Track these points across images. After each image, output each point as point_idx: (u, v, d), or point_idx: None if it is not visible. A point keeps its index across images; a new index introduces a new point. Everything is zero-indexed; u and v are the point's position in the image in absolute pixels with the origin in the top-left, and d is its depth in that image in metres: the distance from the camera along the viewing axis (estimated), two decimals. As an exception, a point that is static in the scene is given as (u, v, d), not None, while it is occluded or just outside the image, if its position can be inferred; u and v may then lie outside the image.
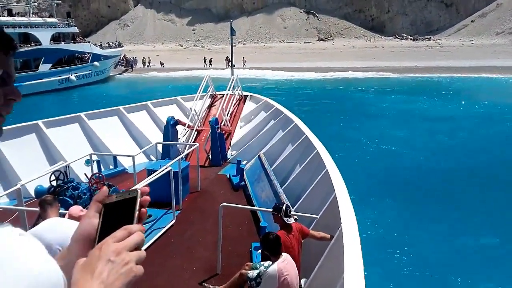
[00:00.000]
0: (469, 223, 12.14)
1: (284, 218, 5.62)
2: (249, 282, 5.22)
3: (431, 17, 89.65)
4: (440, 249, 10.83)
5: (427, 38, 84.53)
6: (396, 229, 11.80)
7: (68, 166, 9.83)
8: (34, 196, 9.41)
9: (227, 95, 15.88)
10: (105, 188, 1.02)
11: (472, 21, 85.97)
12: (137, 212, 0.92)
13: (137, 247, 0.87)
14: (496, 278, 9.69)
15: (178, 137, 13.63)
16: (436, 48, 74.47)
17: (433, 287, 9.41)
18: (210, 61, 59.66)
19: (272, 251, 4.81)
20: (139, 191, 0.95)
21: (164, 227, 7.92)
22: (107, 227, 0.91)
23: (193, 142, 13.25)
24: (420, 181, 15.62)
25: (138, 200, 0.94)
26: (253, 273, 5.17)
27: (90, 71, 47.98)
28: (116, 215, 0.92)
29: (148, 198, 0.96)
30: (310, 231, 5.78)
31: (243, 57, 56.36)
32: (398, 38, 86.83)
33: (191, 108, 14.89)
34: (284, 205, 5.71)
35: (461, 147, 20.46)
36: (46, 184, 9.23)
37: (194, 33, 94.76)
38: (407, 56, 62.85)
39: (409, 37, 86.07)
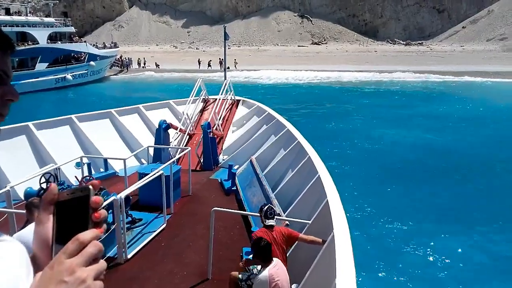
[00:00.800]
0: (465, 229, 12.20)
1: (264, 219, 5.60)
2: (240, 282, 5.29)
3: (424, 22, 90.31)
4: (433, 253, 10.87)
5: (419, 43, 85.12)
6: (389, 234, 11.84)
7: (59, 169, 9.76)
8: (23, 199, 9.32)
9: (219, 99, 15.86)
10: (53, 185, 0.91)
11: (463, 27, 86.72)
12: (90, 214, 0.83)
13: (95, 258, 0.79)
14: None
15: (170, 141, 13.58)
16: (428, 53, 75.12)
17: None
18: (209, 64, 59.49)
19: (262, 257, 4.80)
20: (91, 188, 0.85)
21: (155, 231, 7.89)
22: (62, 231, 0.82)
23: (185, 146, 13.22)
24: (414, 186, 15.67)
25: (90, 199, 0.84)
26: (243, 275, 5.27)
27: (86, 71, 48.22)
28: (70, 216, 0.84)
29: (99, 198, 0.85)
30: (300, 235, 5.77)
31: (235, 59, 56.51)
32: (391, 43, 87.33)
33: (183, 112, 14.84)
34: (266, 207, 5.69)
35: (459, 149, 20.82)
36: (36, 187, 9.14)
37: (188, 35, 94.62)
38: (400, 61, 63.32)
39: (402, 42, 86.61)
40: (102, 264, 0.80)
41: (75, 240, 0.78)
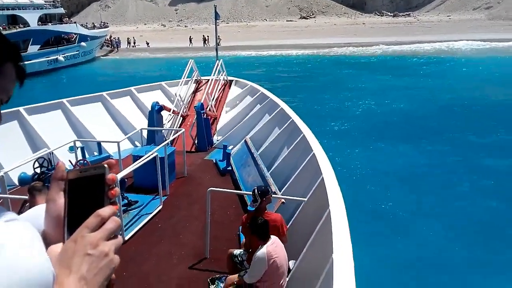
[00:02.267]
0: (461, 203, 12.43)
1: (252, 203, 5.50)
2: (234, 258, 5.51)
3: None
4: (428, 227, 11.05)
5: (406, 15, 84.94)
6: (385, 207, 12.02)
7: (52, 153, 9.72)
8: (17, 184, 9.32)
9: (212, 80, 15.77)
10: (60, 163, 0.93)
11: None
12: (106, 191, 0.85)
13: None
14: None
15: (163, 123, 13.55)
16: (416, 24, 75.06)
17: (421, 265, 9.66)
18: (206, 40, 58.32)
19: (260, 235, 4.89)
20: (106, 167, 0.86)
21: (151, 213, 7.98)
22: (75, 208, 0.84)
23: (179, 127, 13.21)
24: (410, 156, 15.87)
25: (106, 177, 0.86)
26: (237, 250, 5.55)
27: (77, 52, 47.97)
28: (84, 193, 0.85)
29: (114, 176, 0.87)
30: (285, 236, 5.54)
31: (218, 36, 55.50)
32: (379, 15, 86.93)
33: (175, 94, 14.75)
34: (256, 190, 5.49)
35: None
36: (30, 172, 9.12)
37: (176, 13, 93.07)
38: (388, 32, 63.10)
39: (389, 13, 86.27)
40: (120, 239, 0.84)
41: (97, 215, 0.81)
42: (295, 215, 6.63)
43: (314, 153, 7.53)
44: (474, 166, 14.70)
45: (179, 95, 14.60)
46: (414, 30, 65.03)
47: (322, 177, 6.36)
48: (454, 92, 26.58)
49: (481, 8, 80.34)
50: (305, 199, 6.52)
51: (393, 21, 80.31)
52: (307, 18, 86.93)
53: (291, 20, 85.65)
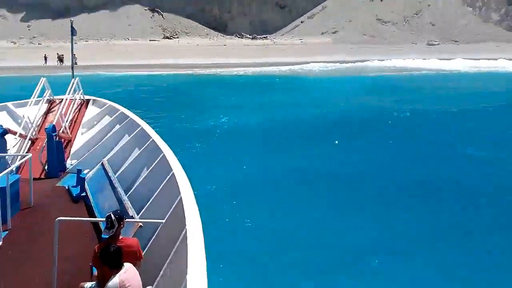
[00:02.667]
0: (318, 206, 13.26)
1: (106, 230, 5.22)
2: None
3: (268, 18, 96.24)
4: (285, 241, 11.55)
5: (264, 37, 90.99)
6: (243, 224, 12.31)
7: None
8: None
9: (66, 99, 14.71)
10: None
11: (302, 22, 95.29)
12: None
13: None
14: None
15: (8, 148, 12.17)
16: (272, 47, 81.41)
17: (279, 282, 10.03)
18: (61, 59, 55.48)
19: (112, 264, 4.63)
20: None
21: None
22: None
23: (26, 152, 12.02)
24: (264, 171, 16.61)
25: None
26: (89, 284, 5.08)
27: None
28: None
29: None
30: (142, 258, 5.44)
31: (74, 54, 52.60)
32: (239, 37, 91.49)
33: (23, 115, 13.40)
34: (112, 215, 5.22)
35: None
36: None
37: (29, 29, 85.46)
38: (247, 54, 66.62)
39: (248, 36, 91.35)
40: None
41: None
42: (153, 238, 6.44)
43: (173, 173, 7.44)
44: (324, 172, 16.08)
45: (28, 117, 13.29)
46: (271, 53, 69.94)
47: (181, 197, 6.29)
48: (303, 108, 29.96)
49: (329, 32, 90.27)
50: (163, 221, 6.37)
51: (252, 43, 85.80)
52: (171, 38, 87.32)
53: (154, 40, 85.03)
